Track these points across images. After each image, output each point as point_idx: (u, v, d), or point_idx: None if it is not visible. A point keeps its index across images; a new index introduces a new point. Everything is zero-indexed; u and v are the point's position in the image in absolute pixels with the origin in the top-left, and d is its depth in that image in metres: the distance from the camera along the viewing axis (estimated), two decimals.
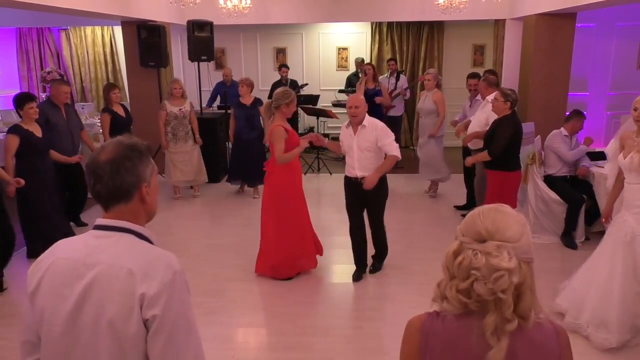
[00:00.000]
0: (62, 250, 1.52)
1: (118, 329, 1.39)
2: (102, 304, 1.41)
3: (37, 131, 5.14)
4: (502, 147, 4.74)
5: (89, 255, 1.46)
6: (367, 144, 4.42)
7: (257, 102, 7.17)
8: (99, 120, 7.29)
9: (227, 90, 8.90)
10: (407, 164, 8.52)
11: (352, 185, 4.60)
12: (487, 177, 5.04)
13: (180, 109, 7.02)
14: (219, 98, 9.21)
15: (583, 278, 3.91)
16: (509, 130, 4.73)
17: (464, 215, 5.87)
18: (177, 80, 7.22)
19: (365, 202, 4.63)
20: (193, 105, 7.36)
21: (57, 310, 1.45)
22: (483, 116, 5.63)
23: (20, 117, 5.13)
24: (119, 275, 1.41)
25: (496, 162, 4.81)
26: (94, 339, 1.42)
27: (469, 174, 6.59)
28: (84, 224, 6.30)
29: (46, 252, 1.55)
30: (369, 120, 4.47)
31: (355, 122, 4.46)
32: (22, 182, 4.86)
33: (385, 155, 4.45)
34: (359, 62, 9.86)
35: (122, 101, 9.77)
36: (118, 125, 6.46)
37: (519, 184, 5.03)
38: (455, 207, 6.82)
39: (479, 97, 6.30)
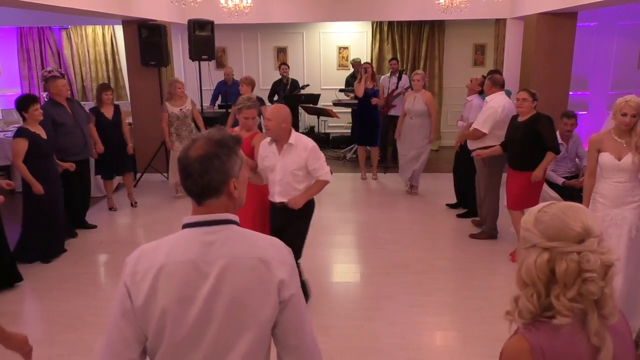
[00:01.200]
0: (167, 254, 1.47)
1: (259, 316, 1.46)
2: (238, 296, 1.44)
3: (43, 133, 5.09)
4: (556, 140, 4.82)
5: (208, 252, 1.46)
6: (295, 166, 3.76)
7: (259, 101, 7.16)
8: None
9: (227, 90, 8.90)
10: None
11: (274, 213, 4.01)
12: (512, 178, 4.97)
13: (180, 109, 7.01)
14: (220, 97, 9.21)
15: None
16: (552, 123, 4.79)
17: (460, 215, 5.87)
18: (178, 79, 7.20)
19: (283, 227, 3.90)
20: (195, 103, 7.34)
21: (184, 312, 1.44)
22: (480, 116, 5.61)
23: (24, 119, 5.04)
24: (251, 265, 1.46)
25: (525, 163, 4.82)
26: (233, 331, 1.46)
27: (458, 173, 6.59)
28: (92, 226, 6.21)
29: (135, 261, 1.49)
30: (297, 138, 3.79)
31: (272, 137, 3.80)
32: (13, 185, 4.82)
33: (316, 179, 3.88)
34: (357, 63, 9.85)
35: (123, 100, 9.80)
36: (102, 126, 6.38)
37: (543, 183, 5.05)
38: (447, 205, 6.81)
39: (471, 97, 6.29)
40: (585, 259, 1.25)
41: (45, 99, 6.68)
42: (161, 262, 1.46)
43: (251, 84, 7.16)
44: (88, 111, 6.44)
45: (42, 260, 5.17)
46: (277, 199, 3.87)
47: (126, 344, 1.46)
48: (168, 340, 1.46)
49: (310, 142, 3.81)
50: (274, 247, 1.54)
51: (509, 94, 6.17)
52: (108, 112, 6.47)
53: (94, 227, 6.22)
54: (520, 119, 4.90)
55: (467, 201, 6.54)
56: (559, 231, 1.29)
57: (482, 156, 5.28)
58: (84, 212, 6.27)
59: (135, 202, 7.06)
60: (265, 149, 3.88)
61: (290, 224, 3.91)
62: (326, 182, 3.90)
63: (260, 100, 7.22)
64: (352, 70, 10.30)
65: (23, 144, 4.87)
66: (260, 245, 1.52)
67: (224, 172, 1.50)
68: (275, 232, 3.90)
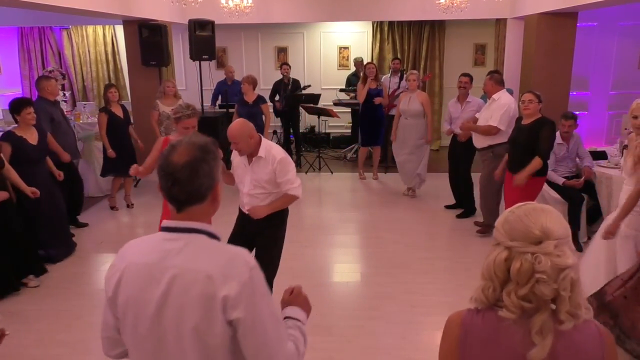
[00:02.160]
0: (134, 254, 1.52)
1: (202, 333, 1.41)
2: (183, 309, 1.42)
3: (32, 138, 4.89)
4: (550, 148, 4.74)
5: (162, 259, 1.46)
6: (263, 179, 3.51)
7: (260, 99, 7.16)
8: None
9: (227, 89, 8.90)
10: None
11: (242, 221, 3.79)
12: (511, 182, 4.83)
13: (172, 109, 6.93)
14: (220, 97, 9.21)
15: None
16: (553, 131, 4.70)
17: (458, 216, 5.87)
18: (170, 79, 7.19)
19: (252, 240, 3.68)
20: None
21: (140, 313, 1.47)
22: (486, 113, 5.61)
23: (16, 121, 4.89)
24: (196, 279, 1.41)
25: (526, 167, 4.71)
26: (179, 343, 1.44)
27: (455, 174, 6.58)
28: (84, 225, 6.27)
29: (118, 254, 1.57)
30: (267, 149, 3.51)
31: (246, 154, 3.53)
32: (38, 193, 4.68)
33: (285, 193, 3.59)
34: (359, 62, 9.86)
35: (124, 100, 9.79)
36: (115, 125, 6.43)
37: (542, 188, 4.99)
38: (445, 206, 6.81)
39: (470, 98, 6.28)
40: (538, 260, 1.30)
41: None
42: (128, 261, 1.51)
43: (253, 82, 7.16)
44: (99, 111, 6.50)
45: (51, 262, 5.12)
46: (246, 208, 3.63)
47: (107, 326, 1.60)
48: (130, 339, 1.52)
49: (279, 154, 3.52)
50: (228, 261, 1.44)
51: (510, 92, 6.16)
52: (118, 111, 6.52)
53: (85, 225, 6.24)
54: (524, 121, 4.80)
55: (463, 201, 6.55)
56: (519, 232, 1.36)
57: (525, 178, 4.77)
58: (75, 214, 6.24)
59: (132, 204, 7.03)
60: (236, 159, 3.67)
61: (260, 233, 3.68)
62: (294, 197, 3.58)
63: (261, 99, 7.22)
64: (353, 69, 10.31)
65: (5, 148, 4.66)
66: (212, 258, 1.44)
67: (212, 176, 1.50)
68: (241, 237, 3.71)
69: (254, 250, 3.70)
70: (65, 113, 8.00)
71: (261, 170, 3.50)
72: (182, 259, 1.45)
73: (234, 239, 3.74)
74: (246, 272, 1.43)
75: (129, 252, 1.54)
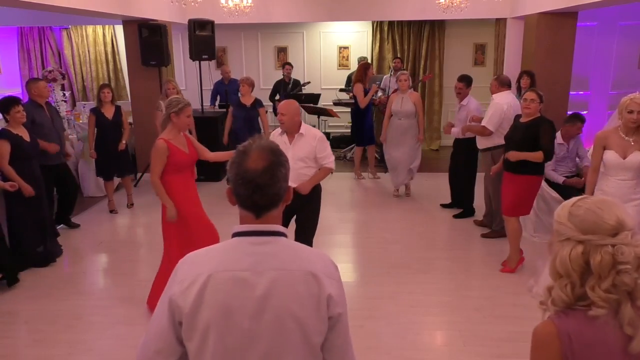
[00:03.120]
0: (218, 262, 1.45)
1: (308, 331, 1.42)
2: (287, 309, 1.41)
3: (26, 135, 5.01)
4: (553, 146, 4.69)
5: (258, 263, 1.44)
6: (304, 154, 4.05)
7: (257, 103, 7.12)
8: None
9: (227, 89, 8.90)
10: None
11: None
12: (507, 182, 4.79)
13: (165, 106, 6.92)
14: (219, 97, 9.22)
15: None
16: (553, 130, 4.65)
17: (456, 216, 5.82)
18: (171, 80, 7.12)
19: (291, 216, 4.21)
20: (189, 103, 7.28)
21: (230, 323, 1.41)
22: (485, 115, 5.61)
23: (7, 121, 4.95)
24: (300, 278, 1.43)
25: (522, 166, 4.64)
26: (279, 345, 1.42)
27: (454, 173, 6.58)
28: (76, 225, 6.24)
29: (184, 268, 1.48)
30: (306, 128, 4.15)
31: (286, 130, 4.11)
32: (16, 186, 4.72)
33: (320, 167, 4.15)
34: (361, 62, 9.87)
35: (123, 100, 9.78)
36: (101, 127, 6.36)
37: (539, 188, 4.92)
38: (441, 205, 6.81)
39: (465, 101, 6.26)
40: (620, 252, 1.30)
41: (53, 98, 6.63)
42: (209, 271, 1.44)
43: (251, 84, 7.15)
44: (89, 111, 6.44)
45: (39, 265, 5.09)
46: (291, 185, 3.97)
47: (159, 354, 1.47)
48: (213, 351, 1.43)
49: (318, 133, 4.18)
50: (322, 262, 1.50)
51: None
52: (108, 112, 6.42)
53: (77, 225, 6.23)
54: (522, 119, 4.75)
55: (462, 201, 6.55)
56: (593, 224, 1.35)
57: (516, 159, 4.80)
58: (67, 215, 6.22)
59: (132, 204, 7.01)
60: (277, 140, 4.05)
61: (301, 208, 4.13)
62: (330, 170, 4.20)
63: (258, 103, 7.21)
64: (353, 69, 10.30)
65: (5, 146, 4.76)
66: (310, 259, 1.49)
67: (287, 179, 1.51)
68: (285, 214, 3.97)
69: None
70: (66, 113, 8.05)
71: (302, 147, 4.06)
72: (280, 261, 1.45)
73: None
74: (337, 271, 1.52)
75: (204, 262, 1.47)
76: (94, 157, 6.46)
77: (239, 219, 1.53)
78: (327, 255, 1.55)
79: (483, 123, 5.45)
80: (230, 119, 7.24)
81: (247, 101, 7.08)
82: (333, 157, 4.22)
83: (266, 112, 7.49)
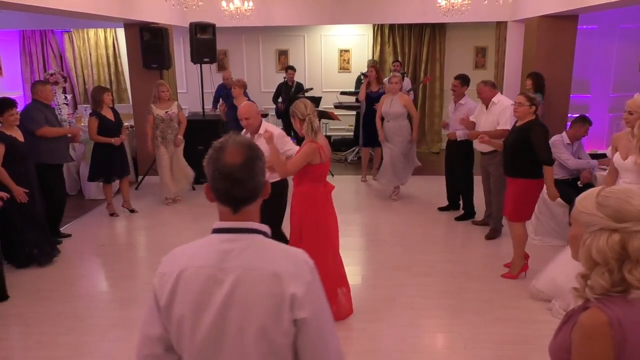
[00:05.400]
0: (189, 258, 1.49)
1: (269, 331, 1.41)
2: (248, 308, 1.42)
3: (20, 136, 4.97)
4: (550, 151, 4.62)
5: (224, 261, 1.45)
6: (266, 153, 4.08)
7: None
8: None
9: (229, 92, 8.91)
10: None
11: None
12: (510, 185, 4.76)
13: (166, 112, 6.91)
14: (221, 100, 9.23)
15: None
16: (546, 134, 4.58)
17: (458, 218, 5.77)
18: (164, 82, 7.08)
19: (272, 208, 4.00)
20: (181, 107, 7.27)
21: (198, 318, 1.44)
22: (492, 118, 5.59)
23: (0, 123, 4.90)
24: (262, 278, 1.42)
25: (514, 169, 4.63)
26: (242, 343, 1.43)
27: (451, 175, 6.59)
28: (67, 235, 6.02)
29: (165, 262, 1.53)
30: (266, 127, 4.34)
31: (251, 132, 4.32)
32: (7, 196, 4.61)
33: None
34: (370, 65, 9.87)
35: (124, 103, 9.81)
36: (106, 129, 6.33)
37: (540, 192, 4.84)
38: (439, 208, 6.82)
39: (463, 100, 6.28)
40: None
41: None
42: (182, 266, 1.47)
43: (243, 86, 7.18)
44: (89, 115, 6.42)
45: (37, 264, 5.10)
46: None
47: (150, 341, 1.52)
48: (187, 346, 1.47)
49: (276, 130, 4.31)
50: (292, 261, 1.47)
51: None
52: (109, 115, 6.42)
53: (68, 235, 6.02)
54: (517, 123, 4.74)
55: (459, 202, 6.56)
56: (627, 213, 1.40)
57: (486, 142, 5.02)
58: (56, 222, 5.92)
59: (133, 209, 6.92)
60: None
61: (276, 202, 4.23)
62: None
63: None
64: (353, 72, 10.33)
65: (0, 148, 4.73)
66: (276, 258, 1.47)
67: (264, 173, 1.53)
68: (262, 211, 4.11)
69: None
70: (67, 115, 8.07)
71: (262, 146, 3.79)
72: (245, 259, 1.45)
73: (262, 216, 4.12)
74: (309, 273, 1.46)
75: (181, 257, 1.51)
76: (118, 143, 6.39)
77: (218, 215, 1.54)
78: (304, 256, 1.51)
79: (505, 127, 5.38)
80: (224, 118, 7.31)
81: (239, 103, 7.06)
82: (296, 148, 4.22)
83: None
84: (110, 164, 6.49)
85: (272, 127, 4.37)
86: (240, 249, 1.46)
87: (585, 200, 1.48)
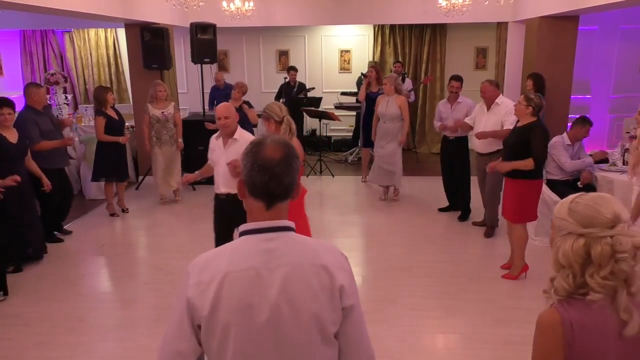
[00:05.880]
0: (229, 262, 1.48)
1: (323, 321, 1.47)
2: (303, 302, 1.45)
3: (12, 137, 4.87)
4: (545, 152, 4.60)
5: (269, 260, 1.47)
6: (236, 158, 3.84)
7: (245, 103, 7.20)
8: None
9: (222, 94, 8.91)
10: (407, 165, 8.49)
11: (220, 203, 4.18)
12: (509, 186, 4.75)
13: (162, 112, 6.90)
14: (216, 102, 9.25)
15: None
16: (545, 135, 4.58)
17: (459, 218, 5.73)
18: (161, 82, 7.08)
19: (230, 223, 3.99)
20: (177, 107, 7.27)
21: (250, 321, 1.44)
22: (495, 118, 5.58)
23: None
24: (313, 272, 1.48)
25: (521, 171, 4.58)
26: (298, 337, 1.46)
27: (450, 175, 6.59)
28: (68, 232, 6.09)
29: (197, 271, 1.49)
30: (241, 133, 4.09)
31: (226, 134, 4.07)
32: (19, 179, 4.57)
33: None
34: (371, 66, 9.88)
35: (125, 103, 9.82)
36: (112, 128, 6.37)
37: (541, 192, 4.86)
38: (439, 209, 6.82)
39: (461, 99, 6.29)
40: (618, 242, 1.43)
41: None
42: (224, 271, 1.46)
43: (244, 92, 7.20)
44: (96, 115, 6.45)
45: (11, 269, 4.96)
46: (222, 189, 4.09)
47: (181, 356, 1.48)
48: (233, 350, 1.45)
49: (251, 137, 4.04)
50: (333, 254, 1.55)
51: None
52: (113, 114, 6.46)
53: (69, 232, 6.09)
54: (518, 123, 4.75)
55: (461, 203, 6.56)
56: (592, 219, 1.46)
57: (509, 169, 4.73)
58: (60, 220, 6.04)
59: (127, 209, 6.96)
60: (213, 143, 4.17)
61: (236, 217, 3.88)
62: None
63: (247, 103, 7.24)
64: (353, 72, 10.33)
65: None
66: (319, 252, 1.53)
67: (298, 172, 1.57)
68: (221, 220, 4.17)
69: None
70: (68, 115, 8.07)
71: (235, 151, 3.88)
72: (290, 256, 1.48)
73: (217, 224, 4.24)
74: (347, 263, 1.57)
75: (218, 263, 1.48)
76: (125, 141, 6.53)
77: (247, 212, 1.56)
78: (336, 247, 1.60)
79: (510, 127, 5.38)
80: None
81: (236, 105, 7.06)
82: None
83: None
84: (114, 163, 6.51)
85: (246, 134, 4.15)
86: (282, 247, 1.49)
87: (561, 206, 1.55)
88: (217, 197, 4.19)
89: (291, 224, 1.55)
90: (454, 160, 6.45)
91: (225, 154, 4.02)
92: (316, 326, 1.46)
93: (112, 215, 6.76)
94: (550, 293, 1.53)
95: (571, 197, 1.55)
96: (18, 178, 4.59)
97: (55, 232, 5.93)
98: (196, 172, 4.38)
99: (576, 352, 1.46)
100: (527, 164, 4.50)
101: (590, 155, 5.76)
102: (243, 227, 1.54)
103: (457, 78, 6.36)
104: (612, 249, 1.43)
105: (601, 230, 1.44)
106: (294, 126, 3.96)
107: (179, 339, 1.48)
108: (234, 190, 3.74)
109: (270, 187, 1.49)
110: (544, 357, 1.51)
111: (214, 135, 4.22)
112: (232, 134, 4.05)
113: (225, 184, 4.05)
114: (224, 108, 4.08)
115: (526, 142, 4.53)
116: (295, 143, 3.88)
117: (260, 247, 1.48)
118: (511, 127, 5.34)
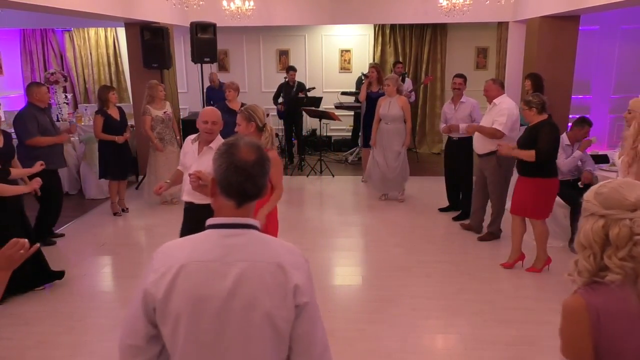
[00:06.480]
0: (189, 253, 1.54)
1: (274, 317, 1.50)
2: (255, 298, 1.49)
3: None
4: (550, 148, 4.62)
5: (227, 255, 1.52)
6: (207, 169, 3.45)
7: (243, 105, 7.15)
8: None
9: (217, 94, 8.90)
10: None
11: (187, 211, 3.93)
12: (520, 183, 4.81)
13: (164, 112, 6.89)
14: (212, 102, 9.25)
15: None
16: (553, 132, 4.62)
17: (455, 218, 5.76)
18: (158, 82, 7.05)
19: (198, 229, 3.86)
20: (171, 107, 7.25)
21: (199, 311, 1.49)
22: (488, 117, 5.59)
23: None
24: (269, 270, 1.52)
25: (528, 168, 4.66)
26: (246, 331, 1.50)
27: (453, 175, 6.59)
28: (61, 235, 6.00)
29: (159, 258, 1.56)
30: (217, 142, 3.75)
31: (206, 140, 3.77)
32: None
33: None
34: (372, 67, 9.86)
35: (124, 103, 9.81)
36: (111, 127, 6.36)
37: (557, 191, 4.89)
38: (439, 209, 6.82)
39: (464, 99, 6.29)
40: (637, 225, 1.45)
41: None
42: (182, 261, 1.52)
43: (237, 89, 7.16)
44: (95, 114, 6.44)
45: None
46: (185, 197, 3.81)
47: (135, 333, 1.56)
48: (184, 339, 1.51)
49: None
50: (291, 254, 1.59)
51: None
52: (115, 114, 6.45)
53: (62, 235, 6.00)
54: (530, 124, 4.83)
55: (459, 202, 6.56)
56: (615, 201, 1.49)
57: (506, 153, 4.95)
58: (51, 223, 5.90)
59: (127, 208, 6.97)
60: (188, 146, 3.87)
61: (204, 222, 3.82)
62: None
63: (244, 105, 7.19)
64: (354, 72, 10.32)
65: None
66: (278, 251, 1.57)
67: (269, 174, 1.63)
68: (189, 225, 3.84)
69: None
70: (68, 115, 8.07)
71: (207, 162, 3.56)
72: (249, 253, 1.53)
73: (184, 231, 3.85)
74: (305, 263, 1.60)
75: (178, 253, 1.55)
76: (122, 141, 6.45)
77: (216, 210, 1.61)
78: (296, 248, 1.63)
79: (499, 127, 5.42)
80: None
81: (235, 106, 6.97)
82: None
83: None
84: (118, 161, 6.52)
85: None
86: (242, 243, 1.54)
87: (590, 190, 1.58)
88: (185, 205, 3.90)
89: (256, 222, 1.60)
90: (457, 161, 6.45)
91: (197, 161, 3.72)
92: (267, 321, 1.49)
93: (115, 214, 6.76)
94: (574, 275, 1.54)
95: (602, 183, 1.59)
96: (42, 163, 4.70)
97: (48, 236, 5.81)
98: (167, 180, 4.11)
99: (604, 336, 1.47)
100: (530, 154, 4.59)
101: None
102: (210, 221, 1.59)
103: (460, 75, 6.37)
104: (630, 231, 1.44)
105: (621, 213, 1.46)
106: (274, 134, 3.78)
107: (136, 318, 1.55)
108: (197, 200, 3.62)
109: (245, 187, 1.55)
110: (572, 343, 1.51)
111: (191, 138, 3.91)
112: (210, 142, 3.75)
113: (189, 193, 3.70)
114: (213, 112, 3.81)
115: (535, 140, 4.62)
116: (273, 155, 3.64)
117: (221, 242, 1.54)
118: (500, 128, 5.40)
